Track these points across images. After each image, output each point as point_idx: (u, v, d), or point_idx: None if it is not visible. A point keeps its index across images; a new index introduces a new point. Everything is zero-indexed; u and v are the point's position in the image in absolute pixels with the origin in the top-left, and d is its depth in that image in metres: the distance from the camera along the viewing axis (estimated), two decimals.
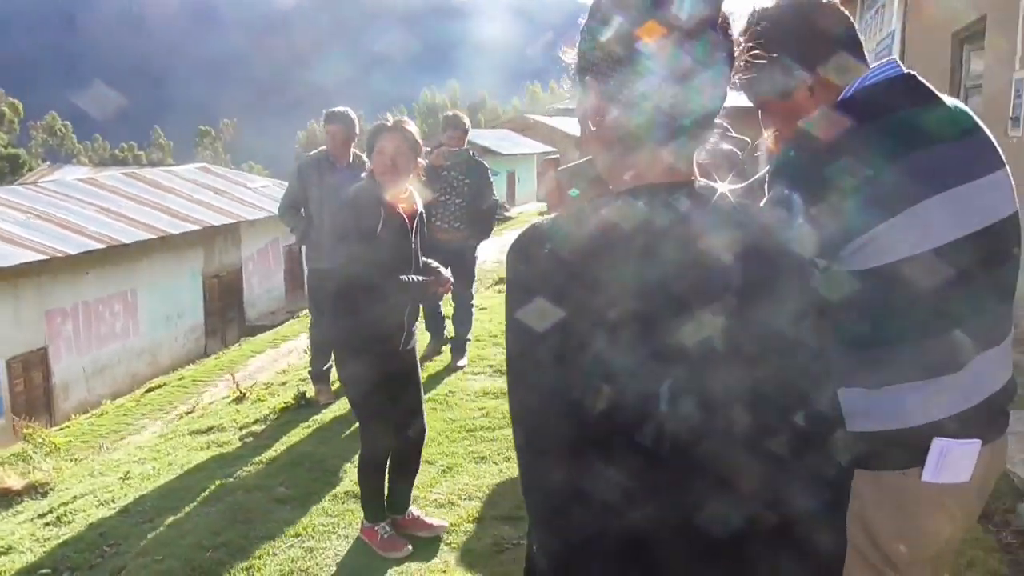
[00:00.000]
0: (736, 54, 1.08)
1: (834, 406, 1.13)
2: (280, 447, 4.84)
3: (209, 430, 5.66)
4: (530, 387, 1.06)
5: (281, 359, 10.51)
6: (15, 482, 5.53)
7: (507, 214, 25.49)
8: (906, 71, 1.60)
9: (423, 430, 3.62)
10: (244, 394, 6.66)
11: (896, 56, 1.80)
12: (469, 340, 6.15)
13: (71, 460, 6.65)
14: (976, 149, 1.57)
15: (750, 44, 1.10)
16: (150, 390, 11.27)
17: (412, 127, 3.34)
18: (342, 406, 5.32)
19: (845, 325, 1.48)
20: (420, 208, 3.48)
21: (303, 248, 5.74)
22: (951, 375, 1.51)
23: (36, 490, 5.43)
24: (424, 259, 3.52)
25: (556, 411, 1.02)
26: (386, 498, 3.56)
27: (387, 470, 3.53)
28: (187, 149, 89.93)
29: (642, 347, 0.99)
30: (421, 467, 3.79)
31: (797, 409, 1.08)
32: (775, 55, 1.41)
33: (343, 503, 3.93)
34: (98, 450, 7.12)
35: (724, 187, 1.12)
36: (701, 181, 1.12)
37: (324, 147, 5.42)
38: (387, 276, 3.26)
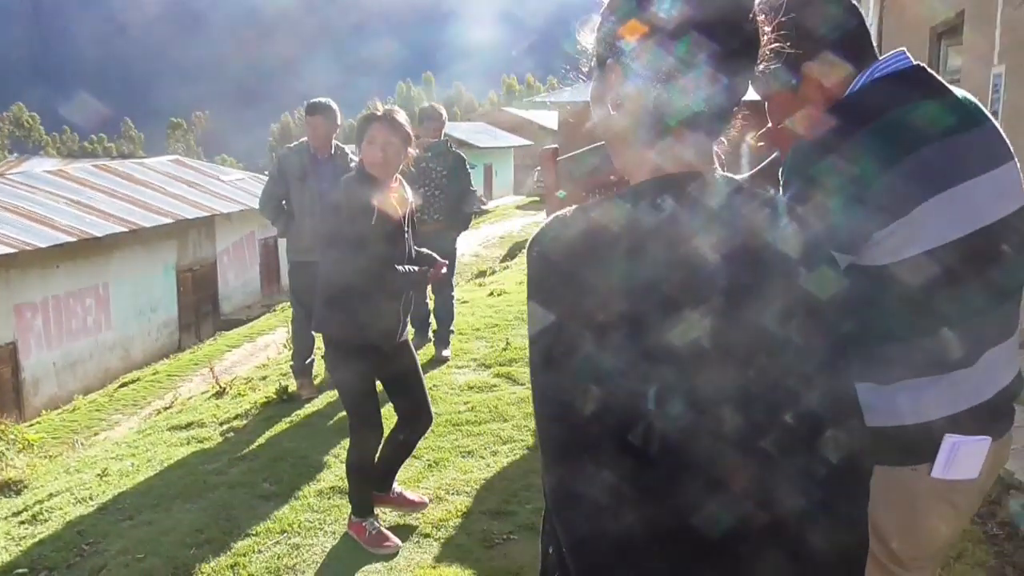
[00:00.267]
0: (762, 45, 1.07)
1: (849, 400, 1.11)
2: (263, 442, 4.77)
3: (189, 425, 5.56)
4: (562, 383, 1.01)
5: (259, 353, 10.41)
6: None
7: (484, 208, 25.44)
8: (915, 63, 1.59)
9: (430, 420, 3.57)
10: (224, 389, 6.56)
11: None
12: (452, 332, 6.14)
13: (45, 457, 6.51)
14: (986, 140, 1.56)
15: (773, 36, 1.08)
16: (123, 385, 11.12)
17: (403, 117, 3.26)
18: (325, 400, 5.27)
19: (857, 321, 1.46)
20: (411, 198, 3.44)
21: (283, 241, 5.67)
22: (963, 370, 1.50)
23: (9, 488, 5.29)
24: (416, 248, 3.49)
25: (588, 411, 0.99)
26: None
27: (379, 454, 3.48)
28: (158, 142, 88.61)
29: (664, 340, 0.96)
30: (407, 461, 3.77)
31: (804, 405, 1.05)
32: (787, 47, 1.39)
33: (329, 499, 3.88)
34: (73, 446, 6.99)
35: (743, 178, 1.10)
36: (720, 171, 1.10)
37: (304, 139, 5.36)
38: (384, 270, 3.21)
